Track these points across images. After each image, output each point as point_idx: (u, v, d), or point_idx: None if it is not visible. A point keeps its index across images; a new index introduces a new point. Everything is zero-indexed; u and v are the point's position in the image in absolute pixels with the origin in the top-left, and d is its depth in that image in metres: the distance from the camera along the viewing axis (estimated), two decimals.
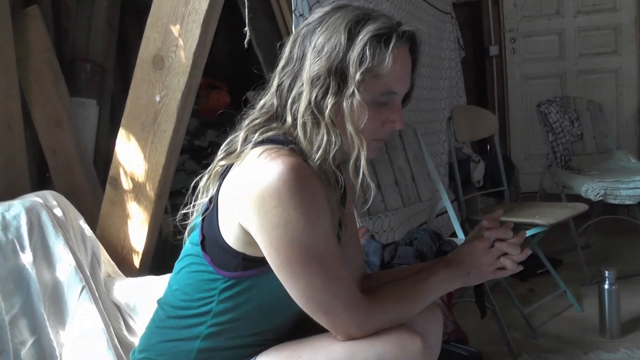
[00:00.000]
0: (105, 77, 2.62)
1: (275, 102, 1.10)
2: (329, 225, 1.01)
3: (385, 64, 1.02)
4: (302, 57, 1.07)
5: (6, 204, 1.56)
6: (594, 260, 3.15)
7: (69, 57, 2.53)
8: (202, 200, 1.11)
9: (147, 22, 1.80)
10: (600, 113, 3.82)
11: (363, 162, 1.04)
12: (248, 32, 1.87)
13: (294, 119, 1.06)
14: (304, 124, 1.04)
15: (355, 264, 1.33)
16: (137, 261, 1.92)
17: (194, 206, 1.13)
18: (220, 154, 1.11)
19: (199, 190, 1.12)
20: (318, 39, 1.05)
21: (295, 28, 2.02)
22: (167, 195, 1.96)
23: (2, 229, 1.47)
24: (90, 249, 1.69)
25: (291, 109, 1.06)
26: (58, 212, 1.61)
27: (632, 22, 4.35)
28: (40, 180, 2.34)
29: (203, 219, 1.10)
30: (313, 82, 1.03)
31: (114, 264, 1.82)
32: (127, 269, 1.88)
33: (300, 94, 1.05)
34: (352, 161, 1.06)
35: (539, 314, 2.60)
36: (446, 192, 2.67)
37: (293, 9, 2.03)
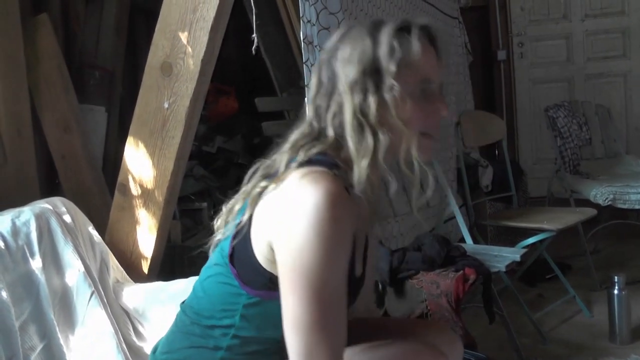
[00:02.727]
0: (114, 84, 2.64)
1: (315, 125, 1.10)
2: (345, 261, 0.99)
3: (414, 50, 1.04)
4: (333, 76, 1.07)
5: (16, 210, 1.57)
6: (603, 266, 3.13)
7: (78, 63, 2.55)
8: (235, 222, 1.09)
9: (156, 29, 1.81)
10: (608, 117, 3.80)
11: (414, 153, 1.04)
12: (256, 38, 1.88)
13: (338, 133, 1.05)
14: (352, 131, 1.03)
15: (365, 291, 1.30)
16: (145, 267, 1.92)
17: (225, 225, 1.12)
18: (258, 176, 1.09)
19: (231, 212, 1.11)
20: (344, 52, 1.07)
21: (302, 34, 2.04)
22: (176, 201, 1.97)
23: (12, 235, 1.48)
24: (99, 255, 1.70)
25: (333, 124, 1.06)
26: (67, 218, 1.62)
27: None
28: (50, 186, 2.35)
29: (236, 232, 1.08)
30: (352, 89, 1.04)
31: (122, 269, 1.83)
32: (136, 275, 1.88)
33: (340, 106, 1.05)
34: (402, 162, 1.06)
35: (548, 320, 2.59)
36: (454, 197, 2.67)
37: (301, 15, 2.04)
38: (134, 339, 1.65)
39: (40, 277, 1.49)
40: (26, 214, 1.54)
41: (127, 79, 2.79)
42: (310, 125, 1.10)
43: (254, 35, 1.88)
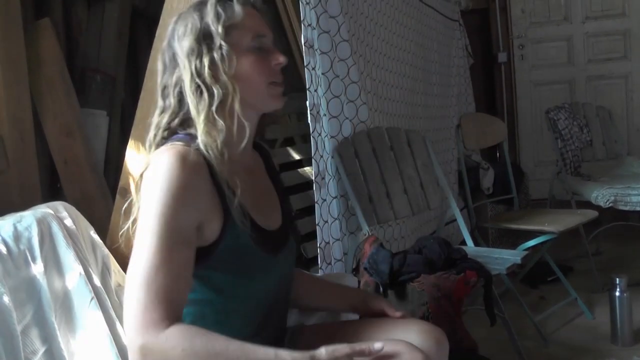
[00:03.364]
0: (116, 88, 2.64)
1: (162, 103, 1.19)
2: (185, 219, 1.04)
3: (237, 13, 1.16)
4: (173, 55, 1.18)
5: (18, 215, 1.57)
6: (605, 267, 3.13)
7: (80, 67, 2.55)
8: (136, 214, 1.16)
9: (157, 34, 1.82)
10: (609, 119, 3.80)
11: (236, 105, 1.14)
12: None
13: (180, 100, 1.16)
14: (191, 94, 1.13)
15: None
16: None
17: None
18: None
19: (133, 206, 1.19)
20: (179, 31, 1.18)
21: (303, 37, 2.04)
22: None
23: (14, 239, 1.48)
24: (100, 259, 1.70)
25: (175, 93, 1.16)
26: (69, 222, 1.63)
27: None
28: (51, 190, 2.36)
29: None
30: (188, 57, 1.14)
31: (124, 273, 1.83)
32: None
33: (180, 75, 1.15)
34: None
35: (550, 322, 2.59)
36: (455, 199, 2.67)
37: (301, 18, 2.05)
38: None
39: (42, 281, 1.49)
40: (28, 219, 1.55)
41: (129, 83, 2.80)
42: (159, 108, 1.20)
43: None
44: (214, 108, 1.12)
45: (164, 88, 1.19)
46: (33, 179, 2.09)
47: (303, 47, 2.05)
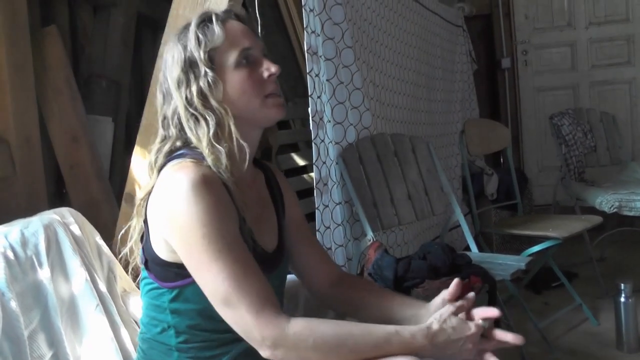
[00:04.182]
0: (121, 94, 2.66)
1: (163, 132, 1.21)
2: (232, 227, 1.08)
3: (218, 34, 1.15)
4: (167, 86, 1.19)
5: (25, 221, 1.58)
6: (609, 273, 3.13)
7: (86, 74, 2.57)
8: (136, 238, 1.21)
9: (162, 41, 1.82)
10: (614, 124, 3.80)
11: (232, 128, 1.14)
12: None
13: (179, 129, 1.17)
14: (187, 123, 1.14)
15: (317, 266, 1.36)
16: None
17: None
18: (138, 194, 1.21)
19: (132, 230, 1.22)
20: (167, 62, 1.19)
21: (306, 44, 2.05)
22: None
23: (21, 245, 1.49)
24: (106, 265, 1.71)
25: (172, 121, 1.18)
26: (75, 228, 1.64)
27: None
28: (57, 196, 2.37)
29: (141, 242, 1.19)
30: (177, 87, 1.15)
31: (130, 279, 1.84)
32: None
33: (175, 107, 1.17)
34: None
35: (555, 328, 2.58)
36: (459, 205, 2.67)
37: (305, 25, 2.06)
38: None
39: (49, 286, 1.50)
40: (35, 225, 1.56)
41: (134, 90, 2.82)
42: (161, 136, 1.21)
43: None
44: (211, 134, 1.12)
45: (164, 119, 1.20)
46: (39, 185, 2.10)
47: (306, 53, 2.06)
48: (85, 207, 2.15)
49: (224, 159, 1.11)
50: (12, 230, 1.52)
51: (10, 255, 1.46)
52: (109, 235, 1.92)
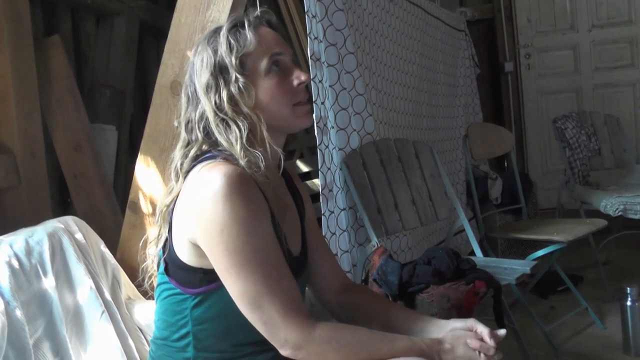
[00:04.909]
0: (124, 102, 2.67)
1: (187, 137, 1.18)
2: (267, 228, 1.08)
3: (250, 40, 1.14)
4: (194, 89, 1.17)
5: (29, 229, 1.59)
6: (615, 277, 3.11)
7: (89, 82, 2.58)
8: (161, 245, 1.19)
9: (165, 49, 1.83)
10: (618, 127, 3.79)
11: (265, 133, 1.13)
12: None
13: (206, 134, 1.15)
14: (216, 129, 1.13)
15: (326, 272, 1.36)
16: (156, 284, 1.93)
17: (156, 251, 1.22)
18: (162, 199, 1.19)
19: (156, 239, 1.20)
20: (196, 66, 1.17)
21: (309, 50, 2.06)
22: None
23: (26, 254, 1.50)
24: (110, 273, 1.71)
25: (199, 126, 1.15)
26: (79, 237, 1.64)
27: None
28: (62, 205, 2.38)
29: (163, 249, 1.17)
30: (206, 92, 1.14)
31: (134, 287, 1.84)
32: (147, 292, 1.89)
33: (203, 111, 1.15)
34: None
35: (561, 332, 2.57)
36: (464, 210, 2.67)
37: (308, 32, 2.07)
38: None
39: (53, 295, 1.51)
40: (39, 233, 1.57)
41: (137, 98, 2.83)
42: (184, 140, 1.19)
43: None
44: (244, 139, 1.11)
45: (188, 122, 1.18)
46: (44, 194, 2.11)
47: (309, 59, 2.07)
48: (90, 215, 2.15)
49: (261, 163, 1.10)
50: (17, 239, 1.52)
51: (15, 264, 1.47)
52: (113, 244, 1.93)
